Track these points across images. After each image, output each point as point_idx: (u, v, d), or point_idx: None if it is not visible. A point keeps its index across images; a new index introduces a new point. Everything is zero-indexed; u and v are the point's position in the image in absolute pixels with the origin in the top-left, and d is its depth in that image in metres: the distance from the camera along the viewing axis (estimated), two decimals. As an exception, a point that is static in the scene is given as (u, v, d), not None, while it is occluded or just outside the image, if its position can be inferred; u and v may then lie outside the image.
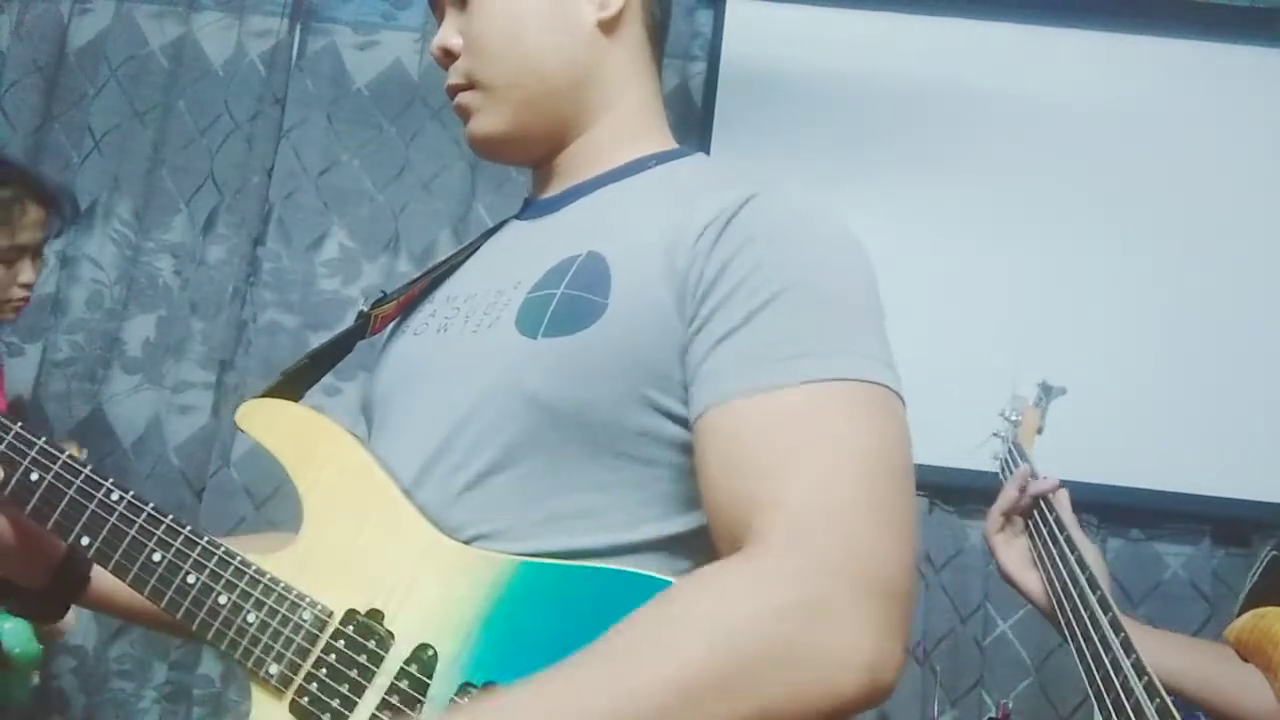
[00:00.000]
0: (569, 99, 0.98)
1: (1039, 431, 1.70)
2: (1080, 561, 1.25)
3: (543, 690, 0.70)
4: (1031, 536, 1.39)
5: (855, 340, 0.79)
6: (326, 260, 2.50)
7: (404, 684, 0.82)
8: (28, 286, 1.97)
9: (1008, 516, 1.42)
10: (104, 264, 2.47)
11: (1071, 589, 1.24)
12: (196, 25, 2.57)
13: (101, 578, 1.01)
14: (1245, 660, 1.23)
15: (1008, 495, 1.41)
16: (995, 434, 1.74)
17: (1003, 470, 1.64)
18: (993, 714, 2.03)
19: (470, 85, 0.99)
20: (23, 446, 0.94)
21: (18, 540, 0.95)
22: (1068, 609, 1.23)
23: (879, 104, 2.47)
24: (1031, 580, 1.35)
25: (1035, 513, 1.40)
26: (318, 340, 2.39)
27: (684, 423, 0.83)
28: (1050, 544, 1.33)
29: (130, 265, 2.47)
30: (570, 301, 0.86)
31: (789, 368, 0.77)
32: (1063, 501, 1.39)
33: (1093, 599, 1.19)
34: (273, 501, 2.31)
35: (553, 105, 0.98)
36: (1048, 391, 1.75)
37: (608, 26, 0.99)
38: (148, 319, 2.47)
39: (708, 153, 2.40)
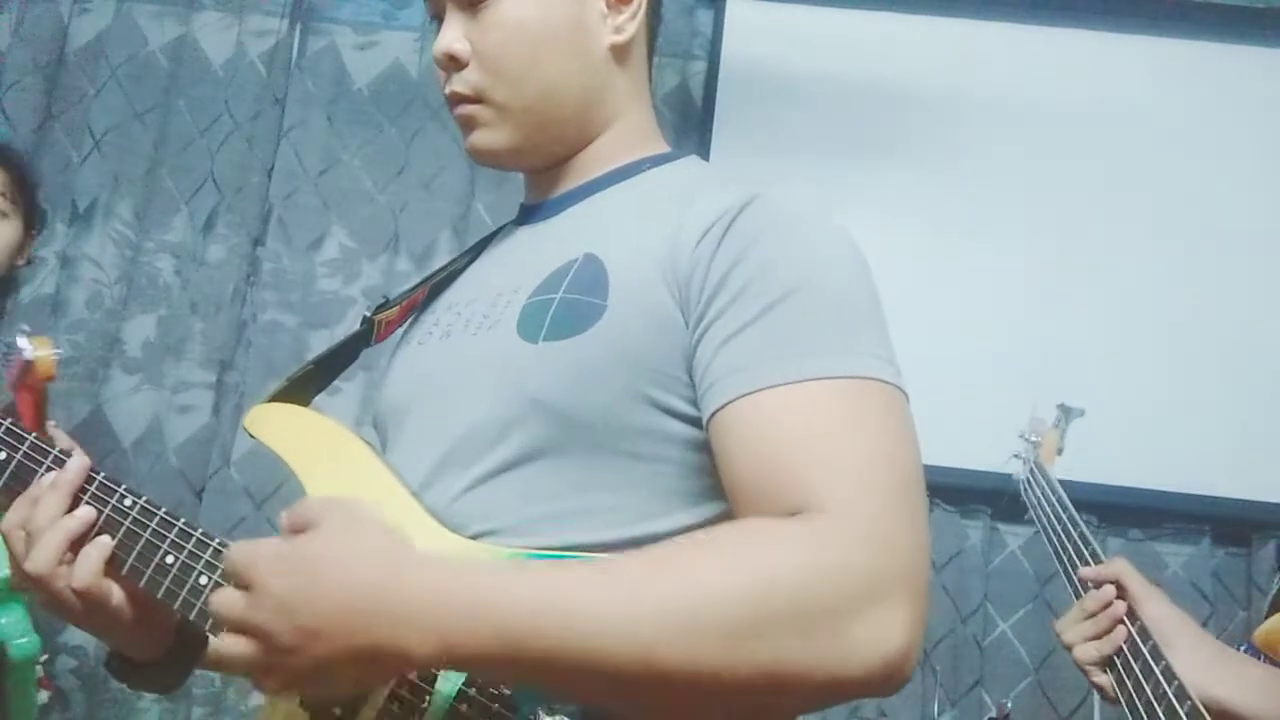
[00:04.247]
0: (578, 120, 0.99)
1: (1059, 452, 1.71)
2: (1155, 652, 1.19)
3: (551, 573, 0.73)
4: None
5: (861, 340, 0.81)
6: (326, 260, 2.50)
7: (412, 674, 0.82)
8: None
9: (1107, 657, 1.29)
10: (104, 264, 2.47)
11: (1145, 683, 1.17)
12: (196, 25, 2.57)
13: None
14: (1274, 661, 1.23)
15: (1116, 636, 1.28)
16: (1015, 455, 1.75)
17: (1024, 490, 1.65)
18: (992, 714, 2.03)
19: (478, 99, 0.97)
20: (38, 455, 0.94)
21: (134, 613, 0.94)
22: (1139, 705, 1.18)
23: (879, 104, 2.47)
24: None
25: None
26: (318, 340, 2.41)
27: (688, 420, 0.84)
28: (1133, 663, 1.24)
29: (130, 265, 2.47)
30: (569, 305, 0.87)
31: (803, 365, 0.78)
32: (1127, 574, 1.31)
33: (1169, 691, 1.14)
34: (273, 501, 2.31)
35: (562, 127, 0.99)
36: (1067, 413, 1.76)
37: (620, 51, 1.00)
38: (148, 319, 2.47)
39: (708, 152, 2.41)
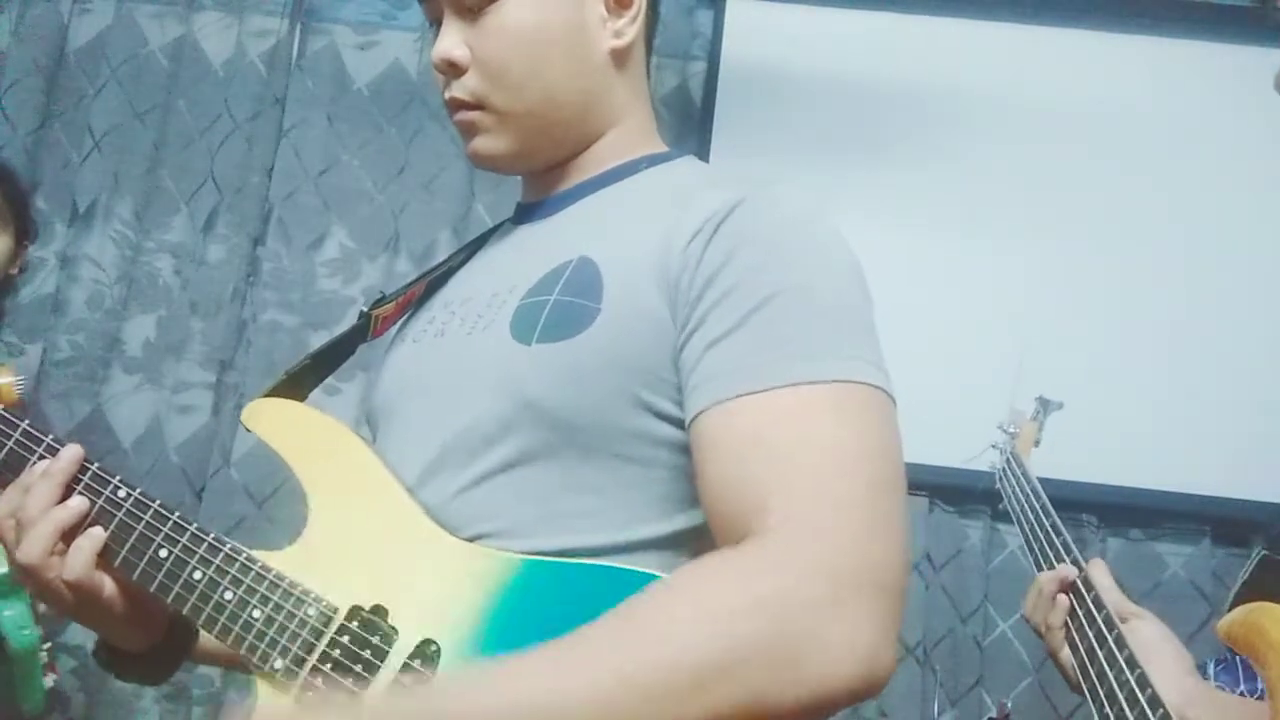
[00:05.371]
0: (578, 124, 0.99)
1: (1036, 444, 1.72)
2: (1119, 641, 1.19)
3: (510, 672, 0.72)
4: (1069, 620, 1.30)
5: (847, 343, 0.81)
6: (326, 260, 2.50)
7: (408, 679, 0.82)
8: None
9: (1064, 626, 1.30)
10: (104, 264, 2.47)
11: (1107, 670, 1.17)
12: (196, 25, 2.57)
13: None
14: (1236, 653, 1.23)
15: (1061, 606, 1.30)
16: (993, 445, 1.76)
17: (1000, 480, 1.65)
18: (992, 714, 2.03)
19: (479, 105, 0.97)
20: (31, 444, 0.94)
21: (126, 605, 0.95)
22: (1101, 693, 1.17)
23: (879, 104, 2.47)
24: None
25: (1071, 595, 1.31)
26: (318, 340, 2.41)
27: (679, 424, 0.84)
28: (1086, 624, 1.25)
29: (130, 265, 2.47)
30: (563, 308, 0.87)
31: (783, 370, 0.78)
32: (1098, 572, 1.32)
33: (1131, 679, 1.13)
34: (273, 501, 2.31)
35: (563, 131, 0.99)
36: (1045, 405, 1.77)
37: (619, 54, 0.99)
38: (148, 319, 2.47)
39: (708, 152, 2.41)
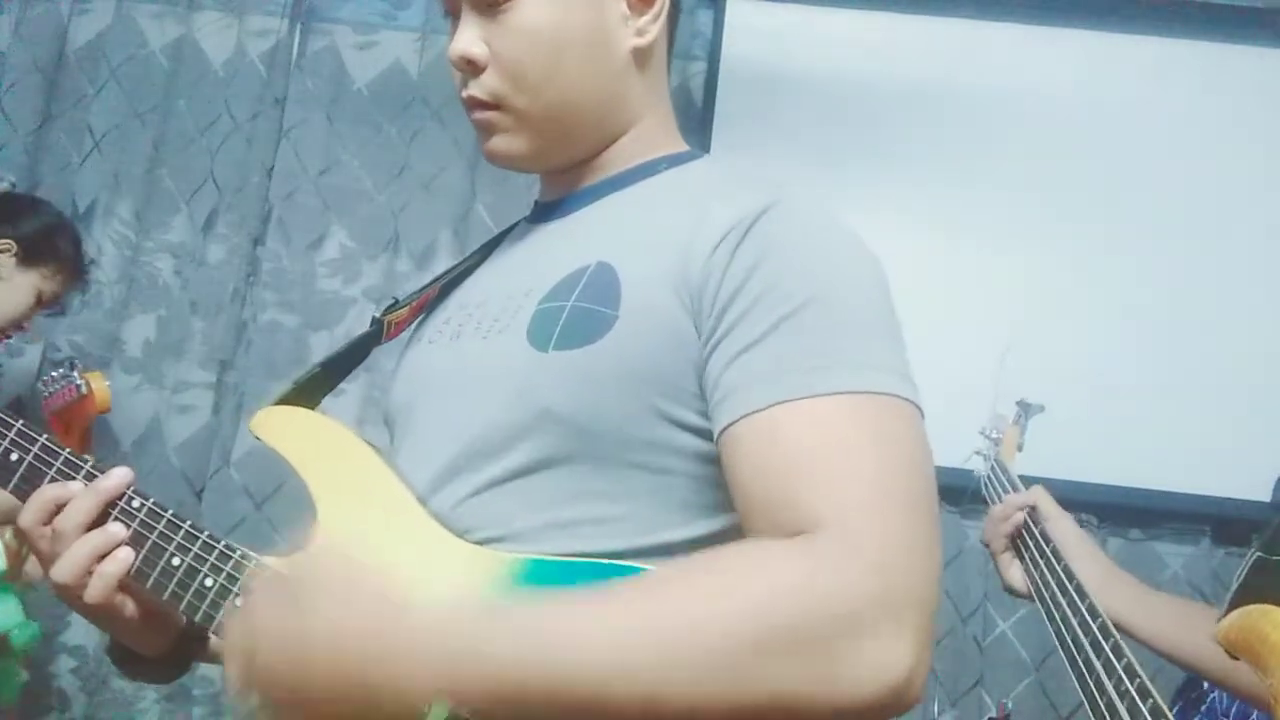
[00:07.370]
0: (598, 125, 0.98)
1: (1019, 449, 1.72)
2: (1068, 571, 1.32)
3: (529, 610, 0.72)
4: (1020, 552, 1.50)
5: (877, 354, 0.80)
6: (326, 260, 2.50)
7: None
8: (20, 329, 2.11)
9: (1010, 537, 1.52)
10: (104, 264, 2.47)
11: (1061, 599, 1.31)
12: (196, 25, 2.57)
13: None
14: (1234, 657, 1.24)
15: (1013, 520, 1.51)
16: (977, 452, 1.76)
17: (985, 486, 1.66)
18: (992, 714, 2.03)
19: (497, 105, 0.95)
20: (48, 458, 0.94)
21: (142, 613, 0.94)
22: (1058, 619, 1.31)
23: (879, 104, 2.47)
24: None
25: (1023, 531, 1.51)
26: (318, 340, 2.41)
27: (699, 432, 0.83)
28: (1038, 556, 1.42)
29: (130, 265, 2.47)
30: (580, 314, 0.86)
31: (817, 380, 0.77)
32: (1042, 498, 1.51)
33: (1082, 607, 1.24)
34: (273, 501, 2.31)
35: (582, 131, 0.98)
36: (1026, 409, 1.78)
37: (641, 54, 0.98)
38: (148, 319, 2.47)
39: (708, 152, 2.40)
